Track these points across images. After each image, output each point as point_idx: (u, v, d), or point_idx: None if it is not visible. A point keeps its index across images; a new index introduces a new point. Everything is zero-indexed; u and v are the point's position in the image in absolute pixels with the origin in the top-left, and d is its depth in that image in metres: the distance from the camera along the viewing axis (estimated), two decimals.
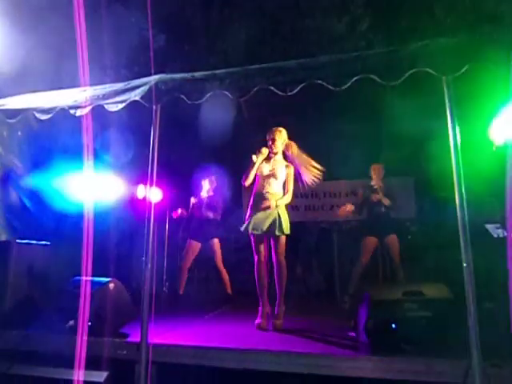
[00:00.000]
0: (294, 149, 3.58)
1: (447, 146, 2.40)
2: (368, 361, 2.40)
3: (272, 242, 3.46)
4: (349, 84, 2.44)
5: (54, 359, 2.69)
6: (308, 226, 6.72)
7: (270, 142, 3.57)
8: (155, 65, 3.37)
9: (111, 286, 3.09)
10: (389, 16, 4.80)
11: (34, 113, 3.11)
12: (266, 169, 3.54)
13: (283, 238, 3.44)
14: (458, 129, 2.37)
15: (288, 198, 3.57)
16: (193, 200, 5.11)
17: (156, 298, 2.82)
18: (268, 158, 3.59)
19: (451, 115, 2.39)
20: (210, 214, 4.96)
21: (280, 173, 3.53)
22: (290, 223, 3.50)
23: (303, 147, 3.60)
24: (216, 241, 4.98)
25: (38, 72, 4.23)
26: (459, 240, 2.24)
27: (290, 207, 6.36)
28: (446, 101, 2.41)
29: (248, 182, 3.55)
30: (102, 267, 3.91)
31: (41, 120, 3.11)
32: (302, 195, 6.30)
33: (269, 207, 3.41)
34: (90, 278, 3.15)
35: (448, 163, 2.38)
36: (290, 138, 3.63)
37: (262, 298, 3.46)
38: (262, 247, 3.48)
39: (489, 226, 4.13)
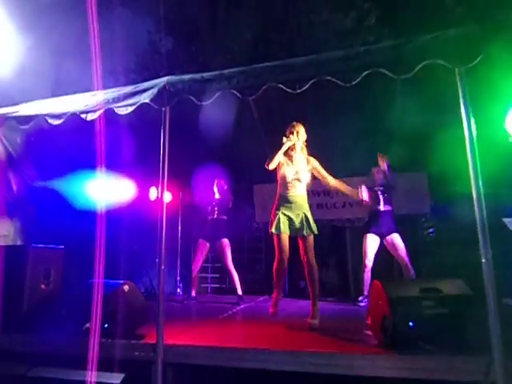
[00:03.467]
0: (315, 163, 3.52)
1: (461, 139, 2.35)
2: (385, 360, 2.36)
3: (300, 243, 3.40)
4: (359, 79, 2.41)
5: (71, 361, 2.71)
6: (320, 224, 6.64)
7: (295, 135, 3.42)
8: (163, 68, 3.38)
9: (126, 288, 3.11)
10: (396, 9, 4.74)
11: (46, 118, 3.15)
12: (289, 172, 3.43)
13: (311, 238, 3.39)
14: (472, 121, 2.31)
15: (337, 182, 3.56)
16: (206, 202, 5.17)
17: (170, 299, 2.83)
18: (289, 157, 3.48)
19: (465, 107, 2.34)
20: (224, 216, 5.04)
21: (303, 175, 3.44)
22: None
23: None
24: (225, 241, 4.99)
25: (37, 74, 4.27)
26: (477, 235, 2.19)
27: None
28: (460, 92, 2.35)
29: (272, 166, 3.38)
30: (116, 269, 3.95)
31: (53, 125, 3.15)
32: (313, 193, 6.24)
33: (295, 208, 3.38)
34: (105, 281, 3.17)
35: (463, 156, 2.33)
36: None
37: (277, 287, 3.48)
38: (287, 247, 3.40)
39: (506, 220, 4.03)
